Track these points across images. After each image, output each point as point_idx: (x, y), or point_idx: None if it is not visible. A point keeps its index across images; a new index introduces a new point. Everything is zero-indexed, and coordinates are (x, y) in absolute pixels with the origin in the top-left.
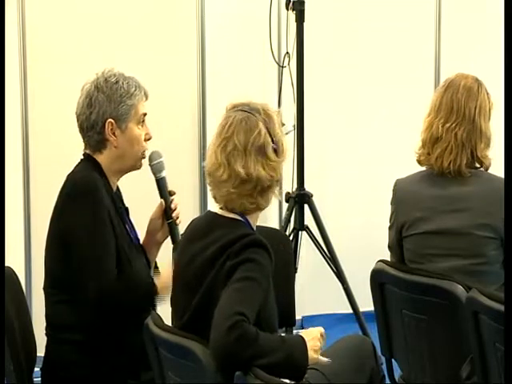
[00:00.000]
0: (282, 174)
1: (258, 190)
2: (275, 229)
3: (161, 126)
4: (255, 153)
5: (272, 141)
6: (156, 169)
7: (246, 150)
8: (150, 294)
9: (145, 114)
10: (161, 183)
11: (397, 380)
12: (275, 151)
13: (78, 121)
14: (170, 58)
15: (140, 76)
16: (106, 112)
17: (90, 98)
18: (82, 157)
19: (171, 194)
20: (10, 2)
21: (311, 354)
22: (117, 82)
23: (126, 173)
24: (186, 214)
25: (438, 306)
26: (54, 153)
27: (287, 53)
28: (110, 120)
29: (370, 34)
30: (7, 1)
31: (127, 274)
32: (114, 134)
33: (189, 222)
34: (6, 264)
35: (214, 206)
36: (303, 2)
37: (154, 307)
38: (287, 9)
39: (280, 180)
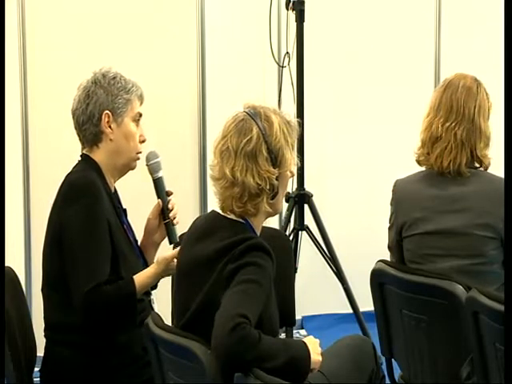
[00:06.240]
0: (287, 187)
1: (246, 196)
2: (275, 229)
3: (161, 126)
4: (245, 158)
5: (268, 149)
6: (153, 169)
7: (237, 153)
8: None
9: (140, 115)
10: (158, 183)
11: (397, 380)
12: (271, 161)
13: (73, 117)
14: (170, 58)
15: (140, 76)
16: (103, 103)
17: (88, 91)
18: (80, 158)
19: (168, 194)
20: (10, 1)
21: (315, 357)
22: (114, 78)
23: (122, 174)
24: (186, 214)
25: (437, 306)
26: (54, 153)
27: (287, 53)
28: (106, 112)
29: (369, 33)
30: (7, 1)
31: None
32: (110, 126)
33: (191, 222)
34: (6, 264)
35: (214, 207)
36: (303, 2)
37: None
38: (287, 9)
39: (276, 191)
